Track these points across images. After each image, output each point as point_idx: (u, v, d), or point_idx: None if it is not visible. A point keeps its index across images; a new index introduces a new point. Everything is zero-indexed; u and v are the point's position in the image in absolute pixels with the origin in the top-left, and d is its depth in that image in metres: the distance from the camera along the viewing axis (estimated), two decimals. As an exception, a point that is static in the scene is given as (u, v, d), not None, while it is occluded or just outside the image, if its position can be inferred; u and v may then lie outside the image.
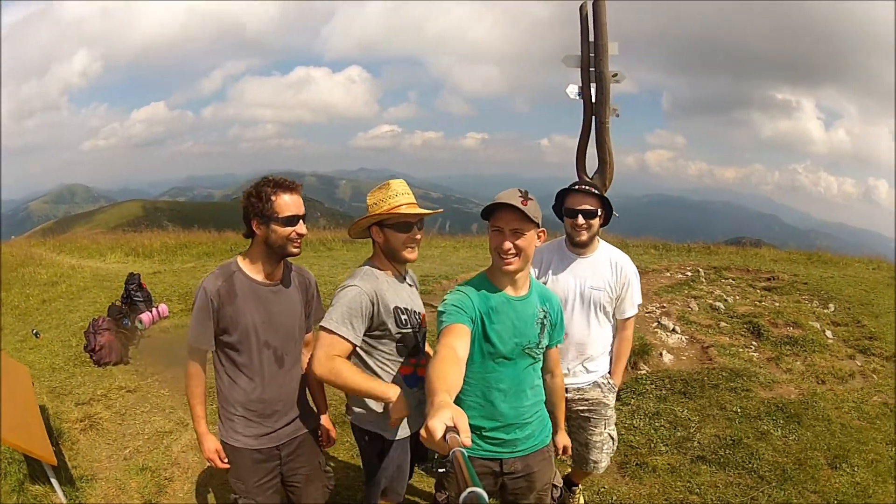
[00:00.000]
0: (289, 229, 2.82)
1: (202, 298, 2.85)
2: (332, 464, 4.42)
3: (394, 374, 2.98)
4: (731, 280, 11.30)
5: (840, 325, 8.98)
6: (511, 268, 2.57)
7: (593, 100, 6.50)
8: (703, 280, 11.10)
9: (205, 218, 29.23)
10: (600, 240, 3.57)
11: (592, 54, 6.29)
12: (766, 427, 5.81)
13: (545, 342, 2.77)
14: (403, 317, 2.94)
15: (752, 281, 11.16)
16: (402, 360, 3.00)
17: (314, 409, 3.36)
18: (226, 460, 3.06)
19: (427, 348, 3.22)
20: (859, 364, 7.56)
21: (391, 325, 2.91)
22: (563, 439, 3.25)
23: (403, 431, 3.03)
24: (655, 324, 8.22)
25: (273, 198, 2.79)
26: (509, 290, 2.68)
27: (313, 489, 3.28)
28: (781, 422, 5.93)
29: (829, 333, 8.42)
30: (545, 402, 2.96)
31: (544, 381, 2.95)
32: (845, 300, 9.91)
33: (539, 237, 2.62)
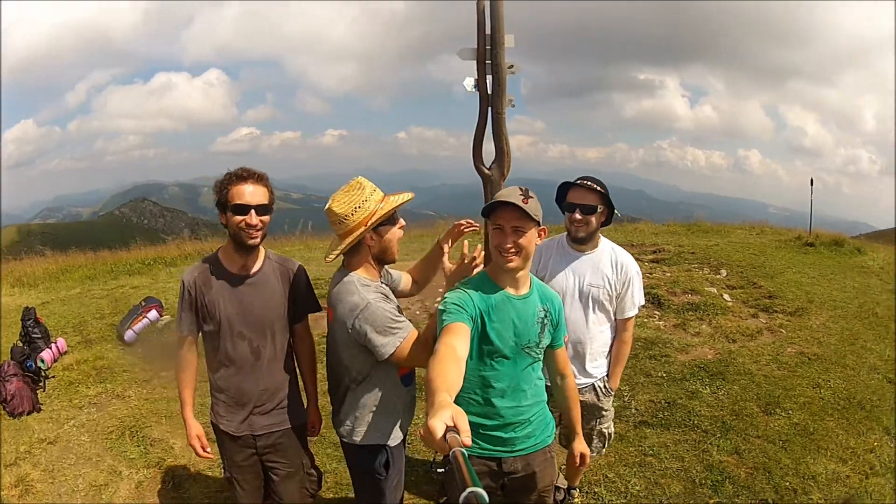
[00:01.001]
0: (238, 218, 2.81)
1: (181, 289, 2.98)
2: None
3: (391, 374, 2.88)
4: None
5: (736, 287, 9.53)
6: (512, 266, 2.54)
7: (489, 91, 6.57)
8: None
9: (79, 239, 27.68)
10: (602, 237, 3.53)
11: (489, 46, 6.40)
12: (694, 387, 6.12)
13: (545, 341, 2.73)
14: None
15: (639, 255, 11.25)
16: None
17: (303, 404, 3.32)
18: (207, 449, 3.18)
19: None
20: (764, 321, 8.11)
21: None
22: (581, 447, 3.11)
23: (400, 435, 2.98)
24: None
25: (228, 187, 2.82)
26: (510, 289, 2.64)
27: (291, 487, 3.26)
28: (707, 380, 6.26)
29: (727, 297, 8.93)
30: (559, 407, 2.98)
31: (555, 383, 2.93)
32: (736, 265, 10.47)
33: (540, 235, 2.61)
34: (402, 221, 2.87)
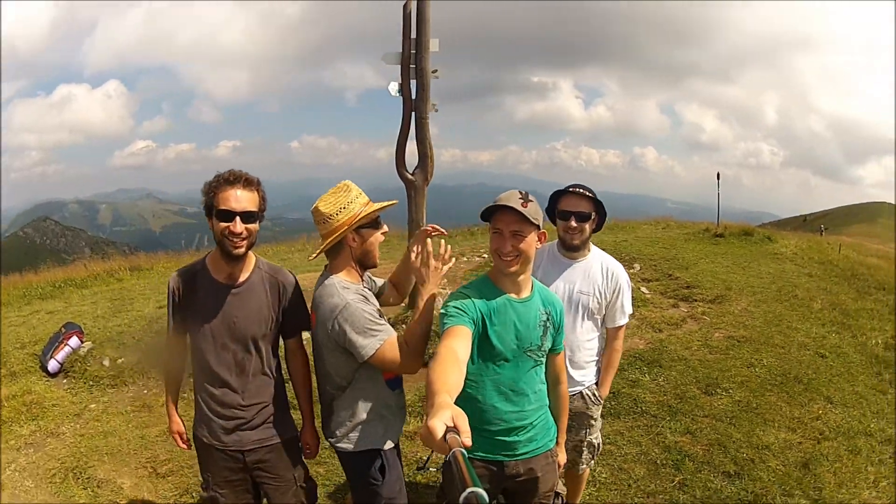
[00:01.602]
0: (222, 225, 2.64)
1: (168, 293, 2.87)
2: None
3: (377, 378, 2.82)
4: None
5: (652, 280, 9.86)
6: (511, 269, 2.51)
7: (413, 96, 6.55)
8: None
9: (-11, 262, 25.70)
10: (592, 245, 3.46)
11: (414, 51, 6.37)
12: (634, 376, 6.24)
13: (547, 344, 2.70)
14: (384, 318, 2.81)
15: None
16: None
17: (292, 418, 3.14)
18: (190, 446, 3.10)
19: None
20: (686, 310, 8.38)
21: None
22: (561, 454, 3.03)
23: (393, 439, 2.91)
24: None
25: (215, 191, 2.65)
26: (511, 292, 2.61)
27: (285, 502, 3.08)
28: (645, 369, 6.39)
29: (644, 290, 9.19)
30: (550, 411, 2.90)
31: (549, 389, 2.86)
32: (648, 259, 10.81)
33: (540, 239, 2.58)
34: (384, 227, 2.84)
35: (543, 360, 2.71)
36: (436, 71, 6.48)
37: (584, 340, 3.43)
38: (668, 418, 5.39)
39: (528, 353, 2.62)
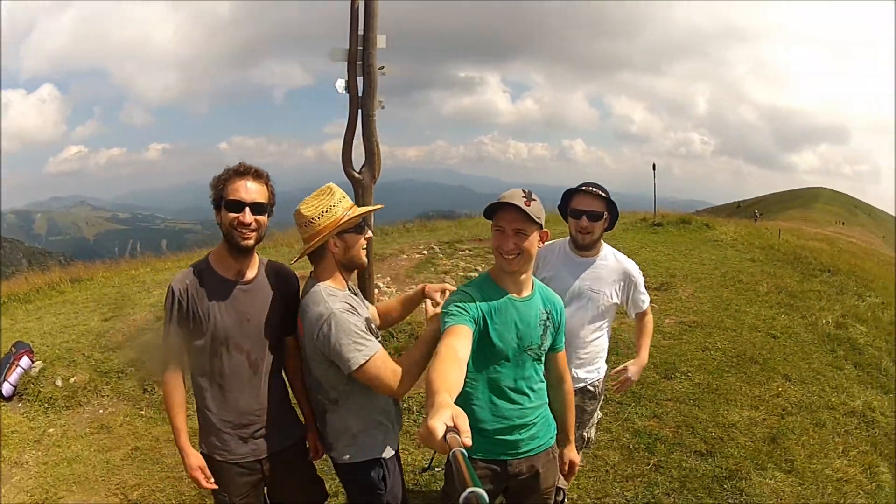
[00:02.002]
0: (231, 215, 2.56)
1: (170, 300, 2.64)
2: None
3: (362, 387, 2.68)
4: (467, 251, 11.49)
5: None
6: (512, 267, 2.52)
7: (360, 93, 6.38)
8: (442, 256, 11.03)
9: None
10: (604, 243, 3.47)
11: (360, 47, 6.28)
12: None
13: (547, 343, 2.70)
14: (372, 326, 2.73)
15: (489, 249, 10.97)
16: None
17: (300, 419, 3.02)
18: (211, 479, 2.78)
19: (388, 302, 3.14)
20: None
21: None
22: (571, 454, 3.03)
23: (392, 447, 2.82)
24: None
25: (225, 183, 2.59)
26: (512, 291, 2.61)
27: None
28: None
29: None
30: (553, 411, 2.89)
31: (553, 388, 2.86)
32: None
33: (541, 238, 2.58)
34: (369, 233, 2.78)
35: (543, 358, 2.71)
36: (382, 67, 6.35)
37: (591, 338, 3.44)
38: (634, 404, 5.51)
39: (529, 352, 2.61)
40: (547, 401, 2.79)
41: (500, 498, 2.84)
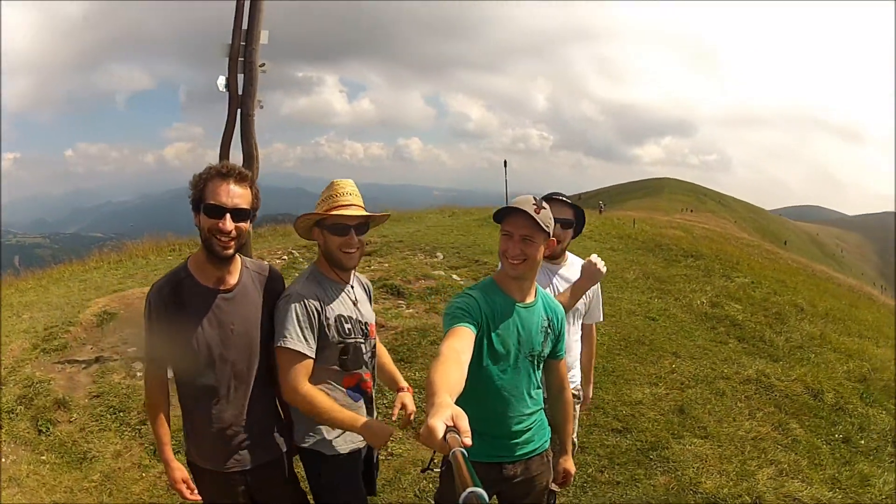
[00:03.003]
0: (210, 220, 2.39)
1: (147, 311, 2.50)
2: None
3: (335, 386, 2.71)
4: None
5: (459, 267, 10.05)
6: (516, 273, 2.53)
7: (240, 91, 6.19)
8: (303, 261, 10.56)
9: None
10: (568, 252, 3.52)
11: (244, 42, 6.01)
12: None
13: (547, 350, 2.71)
14: (347, 326, 2.70)
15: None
16: (345, 372, 2.73)
17: (289, 429, 2.86)
18: (195, 491, 2.69)
19: (384, 358, 3.08)
20: None
21: (332, 335, 2.65)
22: (568, 464, 3.03)
23: (347, 446, 2.75)
24: None
25: (205, 183, 2.41)
26: (516, 296, 2.62)
27: None
28: None
29: (455, 276, 9.43)
30: (554, 421, 2.91)
31: (554, 397, 2.90)
32: (450, 247, 10.95)
33: (548, 247, 2.59)
34: (354, 239, 2.66)
35: (542, 365, 2.73)
36: (263, 64, 6.14)
37: (572, 343, 3.46)
38: (600, 387, 5.59)
39: (529, 358, 2.63)
40: (542, 406, 2.80)
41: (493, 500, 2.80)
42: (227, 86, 6.11)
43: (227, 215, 2.37)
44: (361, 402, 2.78)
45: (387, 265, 9.77)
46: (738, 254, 15.56)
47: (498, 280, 2.65)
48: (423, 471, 2.87)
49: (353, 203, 2.64)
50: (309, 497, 2.93)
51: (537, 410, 2.74)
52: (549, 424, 2.88)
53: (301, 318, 2.54)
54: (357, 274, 2.93)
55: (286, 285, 2.76)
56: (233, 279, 2.57)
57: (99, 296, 7.21)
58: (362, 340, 2.76)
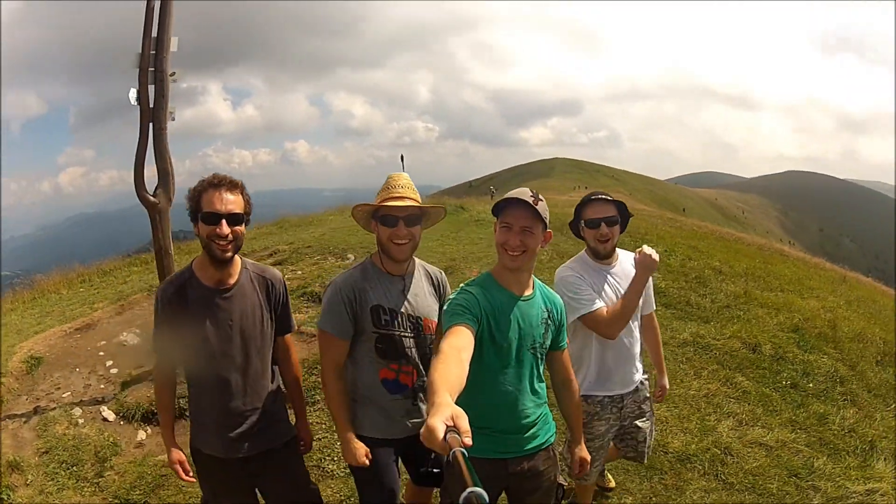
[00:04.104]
0: (208, 227, 2.61)
1: (157, 306, 2.76)
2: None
3: (371, 375, 2.85)
4: None
5: None
6: (515, 264, 2.53)
7: (151, 104, 5.86)
8: None
9: None
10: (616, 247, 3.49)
11: (153, 51, 5.69)
12: None
13: (548, 342, 2.71)
14: (385, 317, 2.81)
15: (258, 259, 9.80)
16: (383, 362, 2.85)
17: (289, 419, 3.11)
18: (190, 473, 2.94)
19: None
20: None
21: (367, 325, 2.79)
22: (583, 452, 3.00)
23: (369, 432, 2.90)
24: None
25: (200, 194, 2.64)
26: (515, 290, 2.61)
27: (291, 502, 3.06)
28: None
29: None
30: (563, 412, 2.95)
31: (560, 389, 2.90)
32: (360, 247, 10.60)
33: (546, 239, 2.59)
34: (404, 231, 2.76)
35: (544, 357, 2.72)
36: (174, 74, 5.83)
37: (638, 336, 3.52)
38: None
39: (530, 351, 2.62)
40: (546, 400, 2.79)
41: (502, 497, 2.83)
42: (139, 99, 5.79)
43: (223, 221, 2.59)
44: (399, 396, 2.86)
45: (300, 272, 9.48)
46: (645, 225, 15.91)
47: (495, 275, 2.64)
48: (422, 470, 2.88)
49: (406, 196, 2.75)
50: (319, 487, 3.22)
51: (541, 404, 2.74)
52: (564, 416, 2.93)
53: (333, 304, 2.74)
54: (428, 267, 3.06)
55: (285, 283, 2.97)
56: (232, 279, 2.77)
57: (21, 340, 6.77)
58: (408, 334, 2.84)
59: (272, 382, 2.96)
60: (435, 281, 3.04)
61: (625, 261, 3.45)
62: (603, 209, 3.30)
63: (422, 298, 2.92)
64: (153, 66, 5.73)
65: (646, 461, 3.81)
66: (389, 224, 2.75)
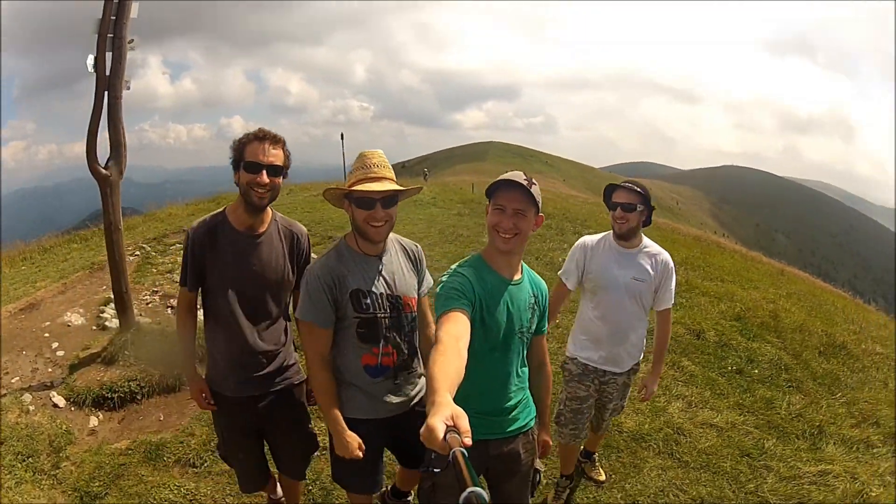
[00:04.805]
0: (249, 175, 2.79)
1: (186, 243, 2.96)
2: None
3: (354, 361, 2.81)
4: (178, 244, 10.05)
5: (314, 245, 9.47)
6: (507, 247, 2.51)
7: (108, 72, 5.59)
8: (155, 254, 9.73)
9: None
10: (643, 236, 3.70)
11: (114, 16, 5.46)
12: None
13: (534, 326, 2.72)
14: (365, 301, 2.74)
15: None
16: (364, 346, 2.79)
17: (299, 366, 3.27)
18: (211, 402, 3.12)
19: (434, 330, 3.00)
20: None
21: (348, 310, 2.74)
22: (546, 436, 3.04)
23: (354, 413, 2.85)
24: (170, 310, 7.08)
25: (245, 145, 2.81)
26: (505, 273, 2.60)
27: (291, 446, 3.27)
28: None
29: (314, 255, 8.96)
30: (533, 395, 2.91)
31: (534, 372, 2.88)
32: (327, 222, 10.68)
33: (537, 223, 2.58)
34: (381, 213, 2.66)
35: (529, 341, 2.73)
36: (132, 41, 5.58)
37: (637, 324, 3.71)
38: None
39: (518, 335, 2.63)
40: (527, 384, 2.81)
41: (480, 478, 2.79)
42: (96, 66, 5.56)
43: (264, 171, 2.78)
44: (381, 378, 2.82)
45: None
46: (584, 212, 16.20)
47: (486, 257, 2.62)
48: (422, 470, 2.87)
49: (382, 176, 2.67)
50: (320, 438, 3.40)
51: (524, 388, 2.76)
52: (533, 398, 2.90)
53: (314, 293, 2.69)
54: (403, 240, 3.00)
55: (309, 239, 3.15)
56: (262, 227, 2.97)
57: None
58: (387, 314, 2.78)
59: (286, 331, 3.14)
60: (412, 255, 2.99)
61: (645, 249, 3.66)
62: (626, 196, 3.54)
63: (399, 277, 2.86)
64: (112, 32, 5.52)
65: (599, 433, 4.10)
66: (366, 206, 2.65)
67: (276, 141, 2.83)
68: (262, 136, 2.81)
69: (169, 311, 7.00)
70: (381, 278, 2.78)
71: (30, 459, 4.35)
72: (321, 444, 3.41)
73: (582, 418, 3.82)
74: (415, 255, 2.99)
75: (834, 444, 5.00)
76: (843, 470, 4.61)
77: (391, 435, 2.96)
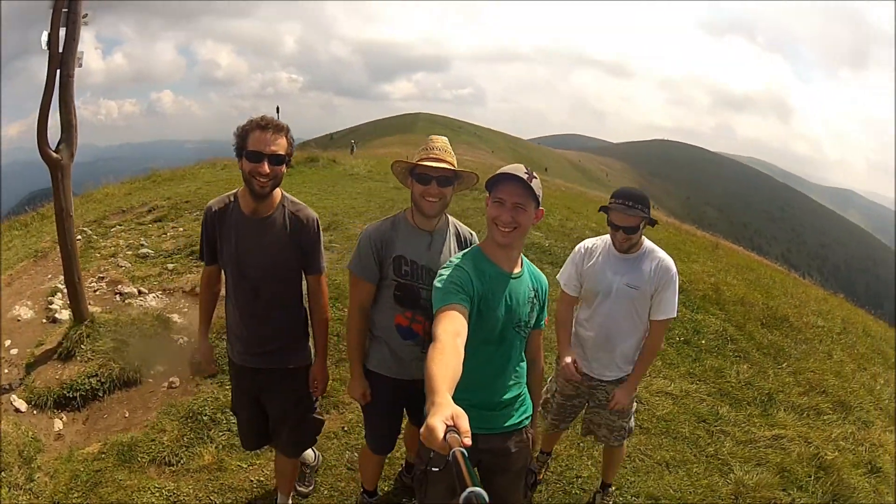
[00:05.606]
0: (251, 164, 2.85)
1: (203, 219, 3.14)
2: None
3: (388, 319, 3.11)
4: (118, 225, 9.85)
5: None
6: (505, 241, 2.53)
7: (61, 48, 5.34)
8: (97, 237, 9.22)
9: None
10: (645, 239, 3.52)
11: None
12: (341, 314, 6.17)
13: (533, 321, 2.73)
14: (405, 268, 3.04)
15: (137, 217, 10.19)
16: (399, 308, 3.09)
17: (308, 350, 3.37)
18: (214, 365, 3.68)
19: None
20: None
21: (389, 272, 3.05)
22: (532, 430, 2.97)
23: (373, 366, 3.22)
24: (119, 297, 6.72)
25: (247, 133, 2.86)
26: (504, 267, 2.61)
27: (283, 429, 3.38)
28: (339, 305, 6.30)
29: None
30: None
31: (527, 364, 2.88)
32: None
33: (537, 216, 2.58)
34: (435, 189, 2.95)
35: (527, 336, 2.75)
36: (86, 16, 5.40)
37: (629, 332, 3.52)
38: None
39: (515, 329, 2.64)
40: (525, 380, 2.83)
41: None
42: (49, 43, 5.31)
43: (265, 160, 2.82)
44: (410, 342, 3.11)
45: (182, 229, 8.99)
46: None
47: (485, 250, 2.63)
48: (422, 470, 2.82)
49: (442, 158, 2.95)
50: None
51: (519, 384, 2.77)
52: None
53: (363, 249, 3.03)
54: (461, 227, 3.26)
55: (319, 228, 3.17)
56: (267, 212, 3.03)
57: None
58: (425, 286, 3.01)
59: (293, 315, 3.24)
60: (464, 241, 3.21)
61: (644, 255, 3.49)
62: (625, 219, 3.32)
63: (445, 255, 3.05)
64: (67, 6, 5.28)
65: (612, 444, 3.84)
66: (423, 182, 2.92)
67: (279, 129, 2.88)
68: (264, 125, 2.85)
69: (118, 297, 6.63)
70: (426, 252, 3.05)
71: (2, 473, 4.09)
72: (333, 433, 3.57)
73: (567, 413, 3.84)
74: (467, 241, 3.22)
75: (784, 410, 5.30)
76: (796, 434, 4.89)
77: (409, 397, 3.23)
